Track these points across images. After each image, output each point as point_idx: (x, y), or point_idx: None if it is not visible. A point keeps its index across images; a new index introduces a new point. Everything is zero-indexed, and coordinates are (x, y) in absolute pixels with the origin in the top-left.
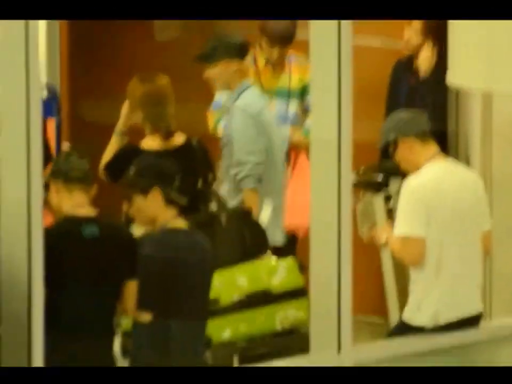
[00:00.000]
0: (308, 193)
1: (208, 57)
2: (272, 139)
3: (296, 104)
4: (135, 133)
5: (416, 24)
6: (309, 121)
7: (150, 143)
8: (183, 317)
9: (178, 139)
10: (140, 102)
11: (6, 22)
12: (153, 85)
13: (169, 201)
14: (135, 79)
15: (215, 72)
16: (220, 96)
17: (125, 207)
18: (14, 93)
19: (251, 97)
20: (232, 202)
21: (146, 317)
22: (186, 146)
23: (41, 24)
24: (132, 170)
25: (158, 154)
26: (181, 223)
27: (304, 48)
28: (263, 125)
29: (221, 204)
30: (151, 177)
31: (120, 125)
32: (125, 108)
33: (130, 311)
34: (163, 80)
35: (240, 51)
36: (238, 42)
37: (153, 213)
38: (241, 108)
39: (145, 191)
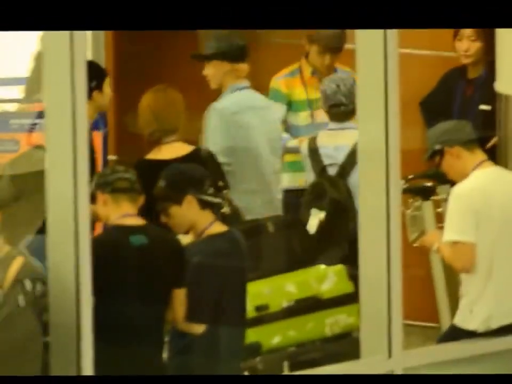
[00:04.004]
0: None
1: (201, 56)
2: (252, 139)
3: None
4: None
5: (469, 32)
6: None
7: (157, 154)
8: (230, 323)
9: (186, 149)
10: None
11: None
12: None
13: (204, 206)
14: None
15: (209, 71)
16: None
17: (162, 218)
18: (59, 107)
19: (235, 99)
20: None
21: (198, 328)
22: (194, 155)
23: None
24: (161, 183)
25: (165, 164)
26: (221, 226)
27: (350, 56)
28: (240, 125)
29: (235, 211)
30: (182, 186)
31: None
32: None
33: (179, 320)
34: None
35: (234, 54)
36: (233, 45)
37: (191, 220)
38: (216, 108)
39: (179, 201)
